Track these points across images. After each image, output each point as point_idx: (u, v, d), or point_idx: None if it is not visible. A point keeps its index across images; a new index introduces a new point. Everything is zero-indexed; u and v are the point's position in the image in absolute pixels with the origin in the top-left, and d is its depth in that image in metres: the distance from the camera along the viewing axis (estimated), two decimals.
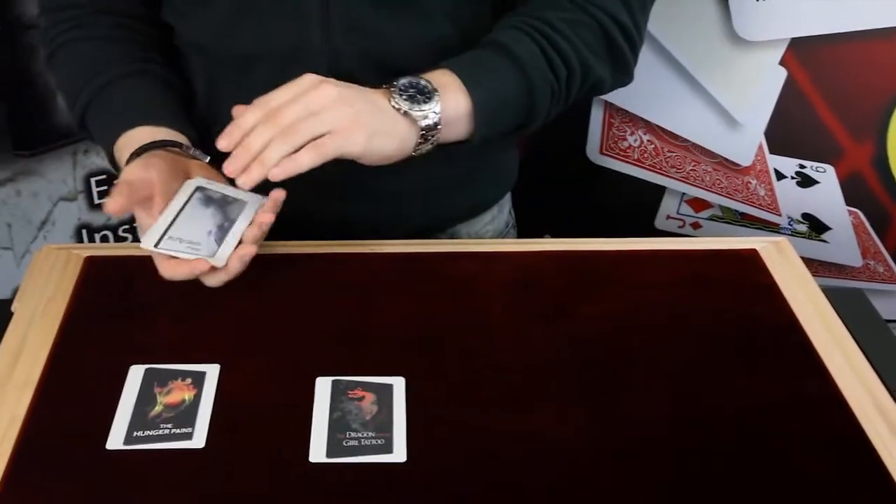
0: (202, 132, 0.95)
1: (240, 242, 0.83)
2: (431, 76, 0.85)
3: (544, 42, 0.89)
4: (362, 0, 0.89)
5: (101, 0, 0.97)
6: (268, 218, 0.83)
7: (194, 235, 0.82)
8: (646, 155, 1.50)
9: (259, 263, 0.93)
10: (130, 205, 0.82)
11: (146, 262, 0.88)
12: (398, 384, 0.78)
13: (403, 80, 0.83)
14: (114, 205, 0.80)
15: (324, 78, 0.80)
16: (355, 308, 0.87)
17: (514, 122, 0.91)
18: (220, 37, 0.94)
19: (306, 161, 0.77)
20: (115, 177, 1.59)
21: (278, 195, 0.82)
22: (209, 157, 0.89)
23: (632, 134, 1.50)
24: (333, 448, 0.71)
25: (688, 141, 1.47)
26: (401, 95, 0.82)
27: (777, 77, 1.36)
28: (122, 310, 0.86)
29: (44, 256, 0.93)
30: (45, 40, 0.99)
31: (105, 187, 1.56)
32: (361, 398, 0.76)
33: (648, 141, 1.50)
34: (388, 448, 0.72)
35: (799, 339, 0.85)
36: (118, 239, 1.61)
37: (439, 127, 0.84)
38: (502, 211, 1.15)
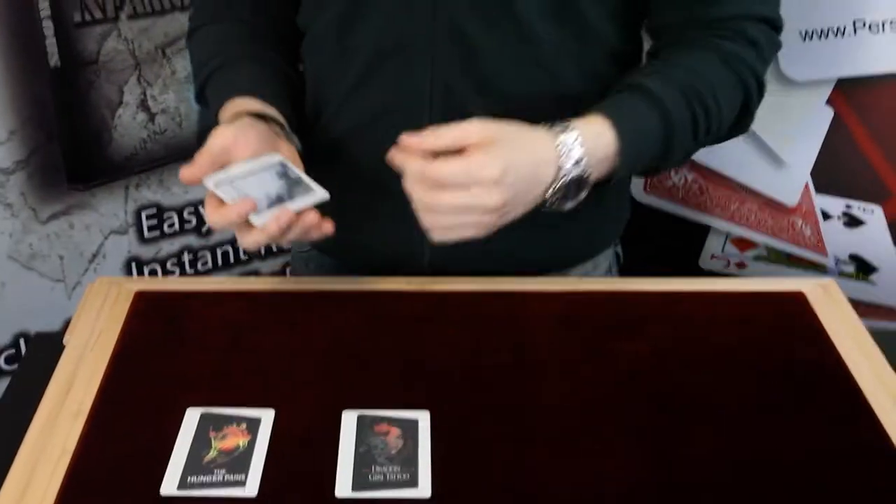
0: (307, 130, 1.02)
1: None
2: (590, 126, 0.87)
3: (695, 102, 0.91)
4: (466, 12, 0.91)
5: None
6: (324, 227, 0.86)
7: (252, 193, 0.85)
8: (690, 194, 1.50)
9: (306, 298, 0.94)
10: (202, 176, 0.85)
11: (195, 297, 0.89)
12: (423, 418, 0.78)
13: (568, 178, 0.85)
14: (187, 174, 0.85)
15: (500, 175, 0.80)
16: (397, 344, 0.88)
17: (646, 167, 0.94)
18: (335, 32, 0.98)
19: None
20: (165, 211, 1.64)
21: (328, 229, 0.86)
22: (300, 146, 0.94)
23: (676, 172, 1.50)
24: (358, 482, 0.72)
25: (733, 180, 1.46)
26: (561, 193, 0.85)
27: (824, 117, 1.35)
28: (172, 344, 0.88)
29: (95, 290, 0.95)
30: (190, 19, 1.09)
31: (155, 221, 1.59)
32: (387, 433, 0.76)
33: (693, 180, 1.49)
34: (413, 482, 0.72)
35: (846, 383, 0.84)
36: (166, 272, 1.63)
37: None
38: (598, 266, 1.10)
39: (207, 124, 1.02)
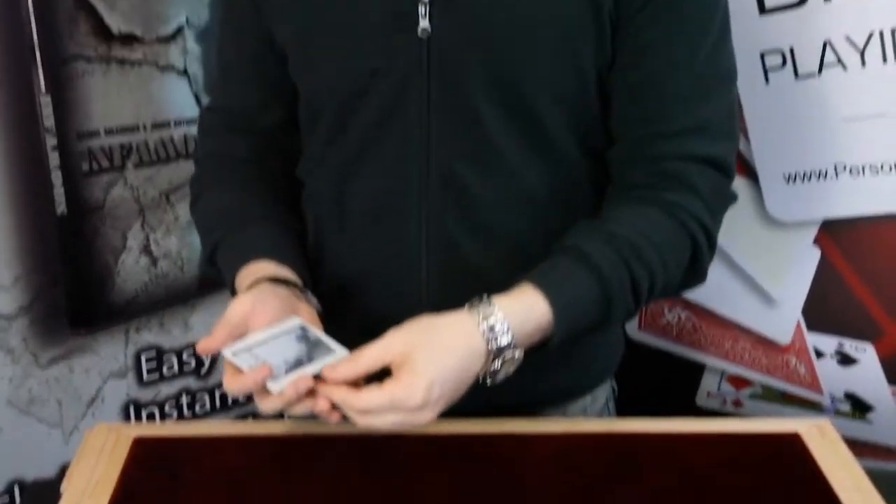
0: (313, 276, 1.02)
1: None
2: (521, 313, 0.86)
3: (634, 262, 0.90)
4: (458, 157, 0.94)
5: (246, 151, 1.07)
6: (332, 417, 0.84)
7: (271, 359, 0.84)
8: (684, 332, 1.51)
9: (303, 441, 0.95)
10: (220, 347, 0.85)
11: (192, 444, 0.89)
12: None
13: (498, 363, 0.85)
14: (204, 345, 0.85)
15: (425, 399, 0.81)
16: (394, 487, 0.88)
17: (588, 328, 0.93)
18: (334, 186, 1.01)
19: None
20: (165, 353, 1.64)
21: (336, 420, 0.84)
22: (320, 307, 0.94)
23: (670, 310, 1.52)
24: None
25: (726, 318, 1.48)
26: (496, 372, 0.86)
27: (811, 256, 1.38)
28: (170, 491, 0.88)
29: (94, 436, 0.95)
30: (192, 186, 1.10)
31: (154, 364, 1.60)
32: None
33: (687, 318, 1.51)
34: None
35: None
36: (164, 415, 1.63)
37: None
38: (597, 400, 1.11)
39: (208, 270, 1.05)
